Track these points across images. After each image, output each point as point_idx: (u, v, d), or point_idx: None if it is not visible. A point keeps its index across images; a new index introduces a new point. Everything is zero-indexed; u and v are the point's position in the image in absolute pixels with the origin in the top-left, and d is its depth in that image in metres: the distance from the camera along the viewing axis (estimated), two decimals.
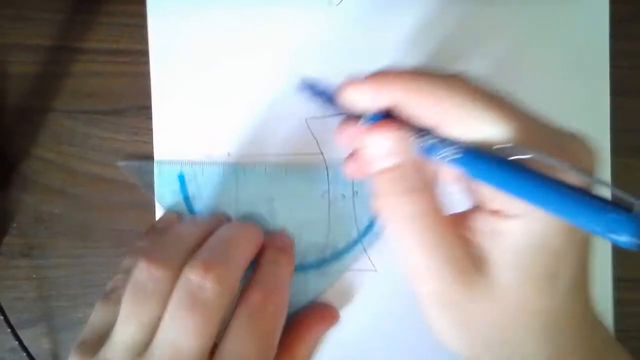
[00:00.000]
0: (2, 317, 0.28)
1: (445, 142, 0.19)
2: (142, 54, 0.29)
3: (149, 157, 0.29)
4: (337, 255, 0.29)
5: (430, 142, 0.20)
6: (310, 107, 0.29)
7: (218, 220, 0.28)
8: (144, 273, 0.23)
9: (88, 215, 0.30)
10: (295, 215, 0.29)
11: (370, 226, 0.29)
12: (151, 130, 0.29)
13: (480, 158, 0.18)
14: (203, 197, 0.29)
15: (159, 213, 0.29)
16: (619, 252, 0.30)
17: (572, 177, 0.17)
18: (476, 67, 0.30)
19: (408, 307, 0.29)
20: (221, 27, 0.29)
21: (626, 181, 0.31)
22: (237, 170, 0.29)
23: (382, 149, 0.21)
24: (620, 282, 0.30)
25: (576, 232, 0.18)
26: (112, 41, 0.29)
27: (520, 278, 0.19)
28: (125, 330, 0.22)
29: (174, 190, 0.29)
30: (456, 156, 0.19)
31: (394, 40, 0.29)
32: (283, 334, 0.26)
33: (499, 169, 0.18)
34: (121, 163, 0.29)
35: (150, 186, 0.29)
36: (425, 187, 0.20)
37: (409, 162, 0.20)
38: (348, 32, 0.29)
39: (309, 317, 0.29)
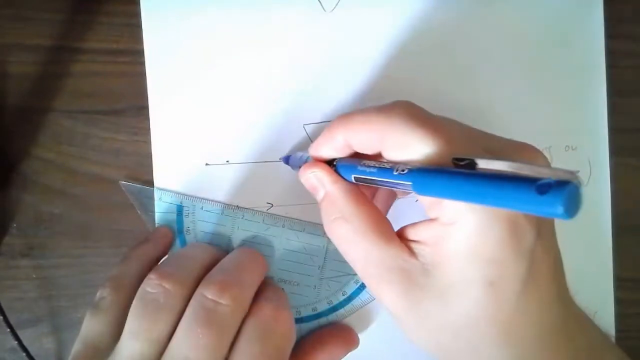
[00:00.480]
0: (1, 317, 0.28)
1: (385, 166, 0.21)
2: (142, 54, 0.29)
3: (148, 155, 0.29)
4: (327, 312, 0.29)
5: (369, 168, 0.21)
6: (308, 112, 0.29)
7: (221, 250, 0.28)
8: (155, 287, 0.23)
9: (88, 215, 0.30)
10: (286, 269, 0.29)
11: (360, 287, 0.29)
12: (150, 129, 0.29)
13: (416, 175, 0.19)
14: (197, 233, 0.29)
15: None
16: (619, 252, 0.30)
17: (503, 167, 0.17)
18: (472, 69, 0.30)
19: None
20: (217, 29, 0.29)
21: (626, 181, 0.31)
22: (235, 215, 0.29)
23: (308, 184, 0.24)
24: (620, 282, 0.30)
25: (520, 241, 0.19)
26: (112, 41, 0.29)
27: (463, 284, 0.19)
28: (133, 345, 0.22)
29: (170, 220, 0.29)
30: (400, 179, 0.20)
31: (388, 43, 0.29)
32: (298, 349, 0.27)
33: (434, 180, 0.19)
34: (123, 182, 0.29)
35: (146, 210, 0.29)
36: (358, 211, 0.22)
37: (337, 191, 0.23)
38: (342, 38, 0.29)
39: (326, 337, 0.28)
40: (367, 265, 0.22)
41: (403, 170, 0.19)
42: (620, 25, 0.30)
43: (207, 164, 0.29)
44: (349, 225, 0.22)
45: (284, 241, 0.29)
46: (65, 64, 0.29)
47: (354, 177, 0.22)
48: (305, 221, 0.29)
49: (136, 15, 0.29)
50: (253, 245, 0.29)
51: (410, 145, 0.20)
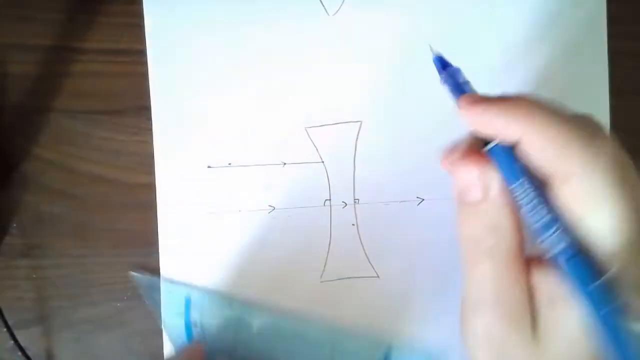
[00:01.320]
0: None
1: (561, 231, 0.18)
2: (142, 54, 0.29)
3: (149, 155, 0.29)
4: None
5: (528, 197, 0.18)
6: (310, 115, 0.29)
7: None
8: None
9: (88, 215, 0.30)
10: None
11: None
12: (151, 130, 0.29)
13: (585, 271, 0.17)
14: (204, 326, 0.29)
15: (165, 338, 0.29)
16: None
17: None
18: (474, 71, 0.29)
19: None
20: (220, 32, 0.29)
21: None
22: (243, 309, 0.28)
23: (467, 182, 0.20)
24: None
25: None
26: (112, 41, 0.29)
27: (570, 356, 0.18)
28: None
29: (179, 313, 0.29)
30: (561, 253, 0.17)
31: (391, 47, 0.29)
32: None
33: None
34: (132, 273, 0.29)
35: (156, 302, 0.29)
36: (510, 227, 0.19)
37: (503, 200, 0.19)
38: (345, 41, 0.29)
39: None
40: (480, 283, 0.20)
41: (562, 250, 0.17)
42: (620, 25, 0.30)
43: (209, 167, 0.29)
44: (503, 241, 0.19)
45: (290, 337, 0.28)
46: (65, 64, 0.29)
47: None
48: (311, 320, 0.28)
49: (136, 15, 0.29)
50: (259, 339, 0.28)
51: (603, 206, 0.17)
